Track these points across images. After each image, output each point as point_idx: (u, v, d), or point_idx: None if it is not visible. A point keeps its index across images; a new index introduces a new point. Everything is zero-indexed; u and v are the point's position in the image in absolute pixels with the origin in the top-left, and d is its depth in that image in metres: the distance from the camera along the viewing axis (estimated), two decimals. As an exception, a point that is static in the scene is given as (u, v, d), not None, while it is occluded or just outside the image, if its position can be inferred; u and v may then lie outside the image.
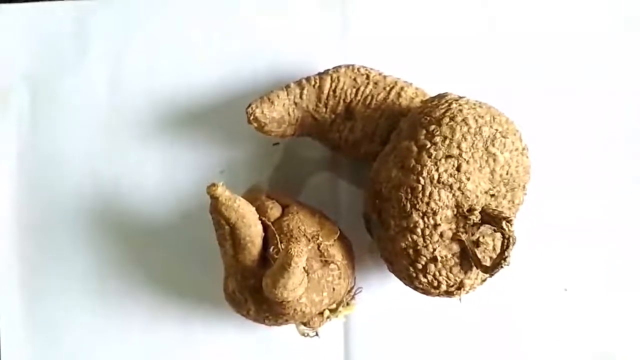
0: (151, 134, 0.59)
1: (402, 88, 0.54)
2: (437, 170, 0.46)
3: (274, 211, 0.53)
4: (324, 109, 0.54)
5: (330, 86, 0.53)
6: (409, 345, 0.60)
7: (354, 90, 0.54)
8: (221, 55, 0.59)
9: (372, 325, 0.59)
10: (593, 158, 0.60)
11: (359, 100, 0.54)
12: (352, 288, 0.55)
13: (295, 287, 0.47)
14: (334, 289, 0.51)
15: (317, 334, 0.54)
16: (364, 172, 0.56)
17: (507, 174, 0.48)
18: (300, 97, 0.54)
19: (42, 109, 0.59)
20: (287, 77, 0.57)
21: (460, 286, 0.50)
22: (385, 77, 0.55)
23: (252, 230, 0.50)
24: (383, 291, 0.59)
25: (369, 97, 0.54)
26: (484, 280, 0.52)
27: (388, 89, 0.54)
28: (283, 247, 0.49)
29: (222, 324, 0.59)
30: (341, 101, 0.54)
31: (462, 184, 0.46)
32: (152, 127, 0.59)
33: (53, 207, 0.58)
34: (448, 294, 0.51)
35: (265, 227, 0.52)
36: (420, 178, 0.46)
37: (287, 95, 0.53)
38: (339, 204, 0.59)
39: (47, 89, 0.59)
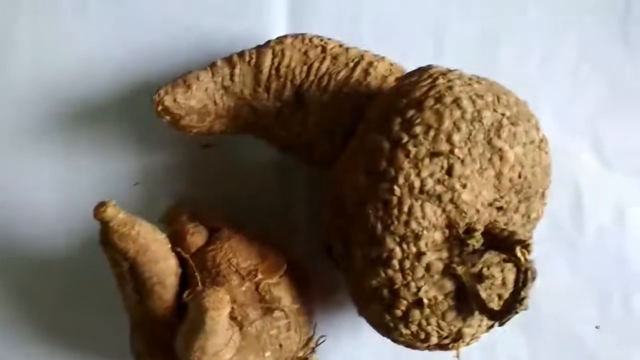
0: (40, 136, 0.47)
1: (370, 63, 0.41)
2: (418, 174, 0.33)
3: (196, 238, 0.39)
4: (264, 95, 0.40)
5: (272, 63, 0.40)
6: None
7: (305, 67, 0.40)
8: (131, 30, 0.46)
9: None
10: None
11: (313, 82, 0.40)
12: (309, 338, 0.40)
13: (218, 350, 0.34)
14: (281, 346, 0.38)
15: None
16: (326, 180, 0.43)
17: (519, 177, 0.35)
18: (231, 78, 0.40)
19: None
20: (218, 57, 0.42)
21: (458, 337, 0.36)
22: (347, 49, 0.42)
23: (161, 267, 0.37)
24: (359, 339, 0.46)
25: (326, 77, 0.40)
26: (491, 327, 0.37)
27: (352, 65, 0.41)
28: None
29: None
30: (288, 83, 0.40)
31: (456, 194, 0.33)
32: (41, 127, 0.47)
33: None
34: (441, 347, 0.38)
35: (184, 261, 0.38)
36: (395, 187, 0.33)
37: (212, 76, 0.40)
38: (295, 223, 0.47)
39: None
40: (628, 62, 0.47)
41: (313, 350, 0.42)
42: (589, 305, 0.47)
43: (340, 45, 0.41)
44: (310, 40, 0.40)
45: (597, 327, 0.47)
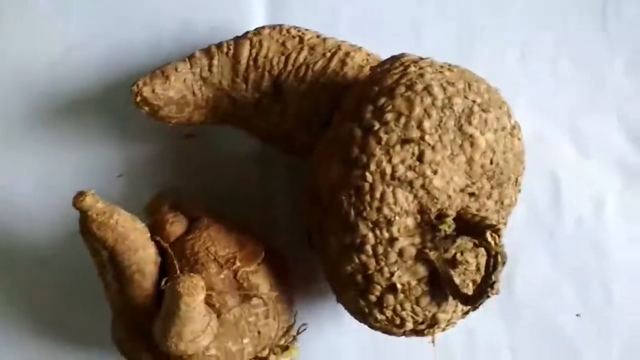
0: (22, 131, 0.46)
1: (347, 54, 0.41)
2: (389, 161, 0.33)
3: (176, 227, 0.40)
4: (243, 86, 0.41)
5: (250, 54, 0.40)
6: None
7: (283, 58, 0.40)
8: (111, 23, 0.46)
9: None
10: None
11: (290, 72, 0.40)
12: (290, 326, 0.41)
13: (195, 336, 0.34)
14: (259, 332, 0.38)
15: (241, 394, 0.40)
16: (306, 170, 0.43)
17: (491, 163, 0.35)
18: (209, 69, 0.40)
19: None
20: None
21: (434, 322, 0.37)
22: (324, 39, 0.41)
23: (140, 256, 0.37)
24: (341, 327, 0.46)
25: (303, 68, 0.40)
26: (466, 313, 0.38)
27: (329, 55, 0.41)
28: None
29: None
30: (266, 74, 0.40)
31: (427, 180, 0.33)
32: (23, 122, 0.46)
33: None
34: (417, 333, 0.38)
35: (164, 250, 0.38)
36: (367, 174, 0.33)
37: (191, 67, 0.40)
38: (275, 213, 0.47)
39: None
40: (607, 56, 0.47)
41: (294, 338, 0.42)
42: (570, 293, 0.47)
43: (318, 36, 0.41)
44: (288, 31, 0.41)
45: (577, 315, 0.47)
